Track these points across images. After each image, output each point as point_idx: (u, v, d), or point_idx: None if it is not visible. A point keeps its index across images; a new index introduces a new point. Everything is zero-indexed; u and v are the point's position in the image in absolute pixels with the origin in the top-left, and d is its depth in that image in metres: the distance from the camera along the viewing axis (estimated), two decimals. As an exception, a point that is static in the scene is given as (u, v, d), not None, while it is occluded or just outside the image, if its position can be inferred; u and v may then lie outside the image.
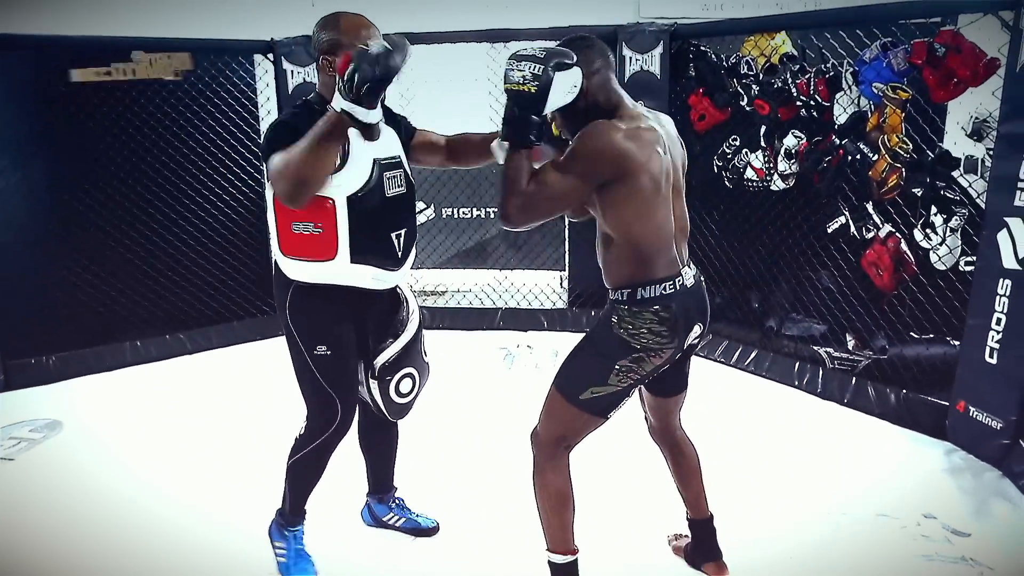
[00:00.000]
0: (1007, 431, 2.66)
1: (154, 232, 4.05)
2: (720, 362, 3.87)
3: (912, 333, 3.17)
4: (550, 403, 1.83)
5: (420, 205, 4.77)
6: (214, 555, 2.23)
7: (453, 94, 4.61)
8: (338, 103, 1.61)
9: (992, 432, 2.70)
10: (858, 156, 3.18)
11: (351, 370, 1.98)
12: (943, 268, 3.03)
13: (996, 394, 2.69)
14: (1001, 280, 2.63)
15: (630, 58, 3.94)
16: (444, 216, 4.85)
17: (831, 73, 3.40)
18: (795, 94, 3.54)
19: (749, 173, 3.73)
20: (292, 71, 4.16)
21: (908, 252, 3.12)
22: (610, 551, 2.19)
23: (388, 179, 1.88)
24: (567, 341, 1.92)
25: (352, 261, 1.84)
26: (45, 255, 3.79)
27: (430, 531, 2.34)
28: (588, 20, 4.16)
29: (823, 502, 2.49)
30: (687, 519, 2.11)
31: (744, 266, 3.86)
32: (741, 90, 3.79)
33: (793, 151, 3.52)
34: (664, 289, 1.72)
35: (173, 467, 2.79)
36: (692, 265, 1.84)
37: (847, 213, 3.35)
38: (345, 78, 1.57)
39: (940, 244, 3.04)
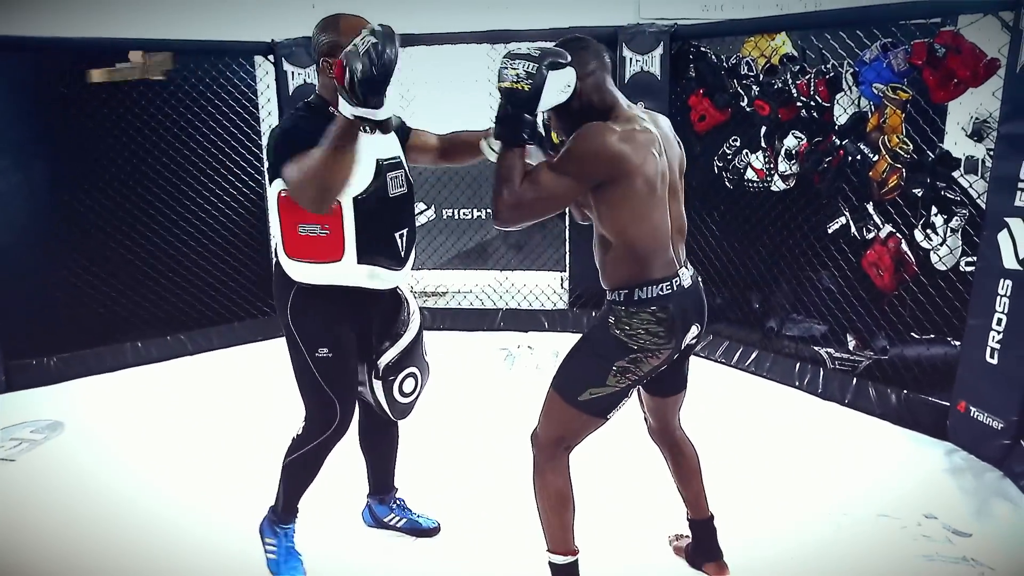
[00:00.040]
0: (1008, 431, 2.66)
1: (155, 233, 4.05)
2: (721, 363, 3.87)
3: (913, 333, 3.17)
4: (549, 404, 1.83)
5: (421, 206, 4.78)
6: (214, 555, 2.23)
7: (453, 95, 4.61)
8: (347, 110, 1.59)
9: (993, 432, 2.70)
10: (858, 157, 3.18)
11: (351, 372, 1.98)
12: (944, 268, 3.03)
13: (997, 394, 2.69)
14: (1002, 280, 2.63)
15: (630, 59, 3.94)
16: (445, 217, 4.85)
17: (831, 74, 3.40)
18: (795, 95, 3.54)
19: (749, 174, 3.73)
20: (293, 72, 4.16)
21: (909, 252, 3.12)
22: (610, 551, 2.19)
23: (391, 179, 1.90)
24: (568, 342, 1.92)
25: (359, 262, 1.84)
26: (46, 256, 3.80)
27: (431, 532, 2.34)
28: (588, 21, 4.16)
29: (824, 502, 2.49)
30: (687, 519, 2.11)
31: (745, 267, 3.86)
32: (741, 91, 3.79)
33: (793, 152, 3.52)
34: (661, 290, 1.72)
35: (173, 468, 2.79)
36: (689, 266, 1.84)
37: (848, 213, 3.35)
38: (345, 86, 1.55)
39: (941, 244, 3.04)
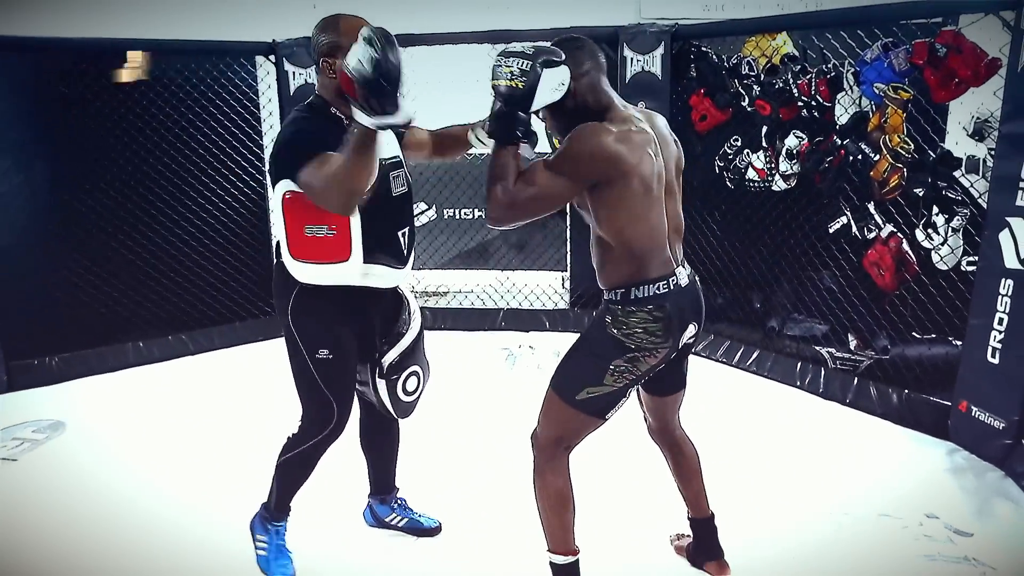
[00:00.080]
0: (1009, 431, 2.65)
1: (156, 233, 4.05)
2: (722, 362, 3.86)
3: (914, 333, 3.17)
4: (548, 404, 1.83)
5: (422, 206, 4.78)
6: (214, 555, 2.23)
7: (454, 95, 4.60)
8: (367, 122, 1.52)
9: (994, 432, 2.69)
10: (860, 156, 3.18)
11: (350, 373, 1.99)
12: (945, 268, 3.03)
13: (998, 394, 2.69)
14: (1003, 280, 2.63)
15: (631, 59, 3.94)
16: (446, 217, 4.85)
17: (832, 73, 3.40)
18: (796, 94, 3.53)
19: (751, 173, 3.73)
20: (294, 72, 4.17)
21: (910, 252, 3.12)
22: (611, 551, 2.19)
23: (393, 179, 1.90)
24: (569, 342, 1.91)
25: (365, 261, 1.85)
26: (47, 256, 3.80)
27: (432, 531, 2.34)
28: (589, 21, 4.15)
29: (825, 502, 2.49)
30: (688, 518, 2.11)
31: (746, 266, 3.86)
32: (742, 91, 3.78)
33: (795, 151, 3.52)
34: (658, 289, 1.72)
35: (174, 468, 2.80)
36: (686, 265, 1.84)
37: (849, 213, 3.35)
38: (360, 101, 1.50)
39: (942, 244, 3.04)
